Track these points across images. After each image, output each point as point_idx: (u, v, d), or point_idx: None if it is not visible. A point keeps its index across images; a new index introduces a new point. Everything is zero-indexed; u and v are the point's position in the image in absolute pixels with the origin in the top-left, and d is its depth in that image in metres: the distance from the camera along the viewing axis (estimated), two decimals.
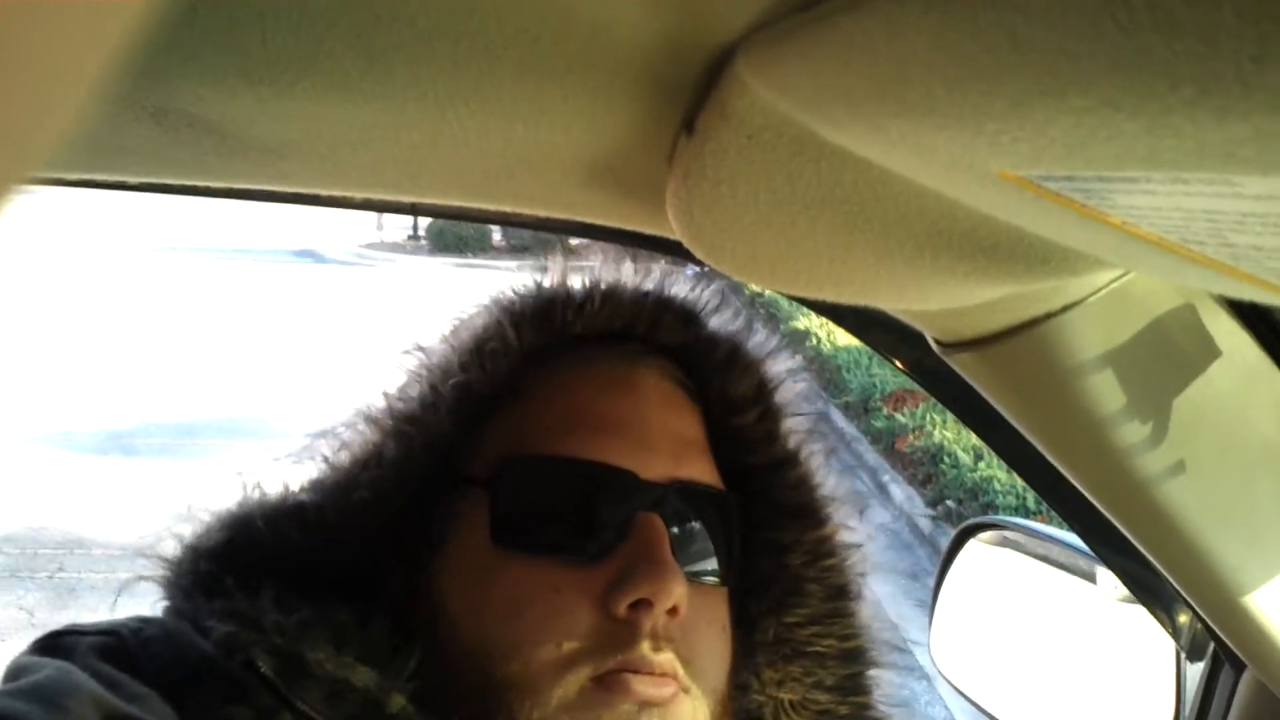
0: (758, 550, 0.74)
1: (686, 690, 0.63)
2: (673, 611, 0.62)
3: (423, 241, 17.33)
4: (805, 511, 0.75)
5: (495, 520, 0.65)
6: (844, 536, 0.76)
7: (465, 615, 0.64)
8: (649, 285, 0.74)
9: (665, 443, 0.68)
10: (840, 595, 0.75)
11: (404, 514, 0.68)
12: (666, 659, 0.62)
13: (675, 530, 0.65)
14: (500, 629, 0.62)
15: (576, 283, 0.73)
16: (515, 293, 0.72)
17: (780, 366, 0.76)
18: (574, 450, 0.65)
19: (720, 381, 0.74)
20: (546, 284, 0.72)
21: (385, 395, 0.70)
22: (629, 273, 0.75)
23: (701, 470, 0.69)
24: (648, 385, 0.70)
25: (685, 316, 0.74)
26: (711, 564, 0.68)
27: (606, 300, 0.72)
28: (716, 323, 0.75)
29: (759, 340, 0.76)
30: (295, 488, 0.69)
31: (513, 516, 0.65)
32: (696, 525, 0.67)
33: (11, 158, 0.15)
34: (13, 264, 11.57)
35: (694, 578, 0.66)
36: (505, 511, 0.65)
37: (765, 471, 0.75)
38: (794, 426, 0.76)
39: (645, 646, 0.61)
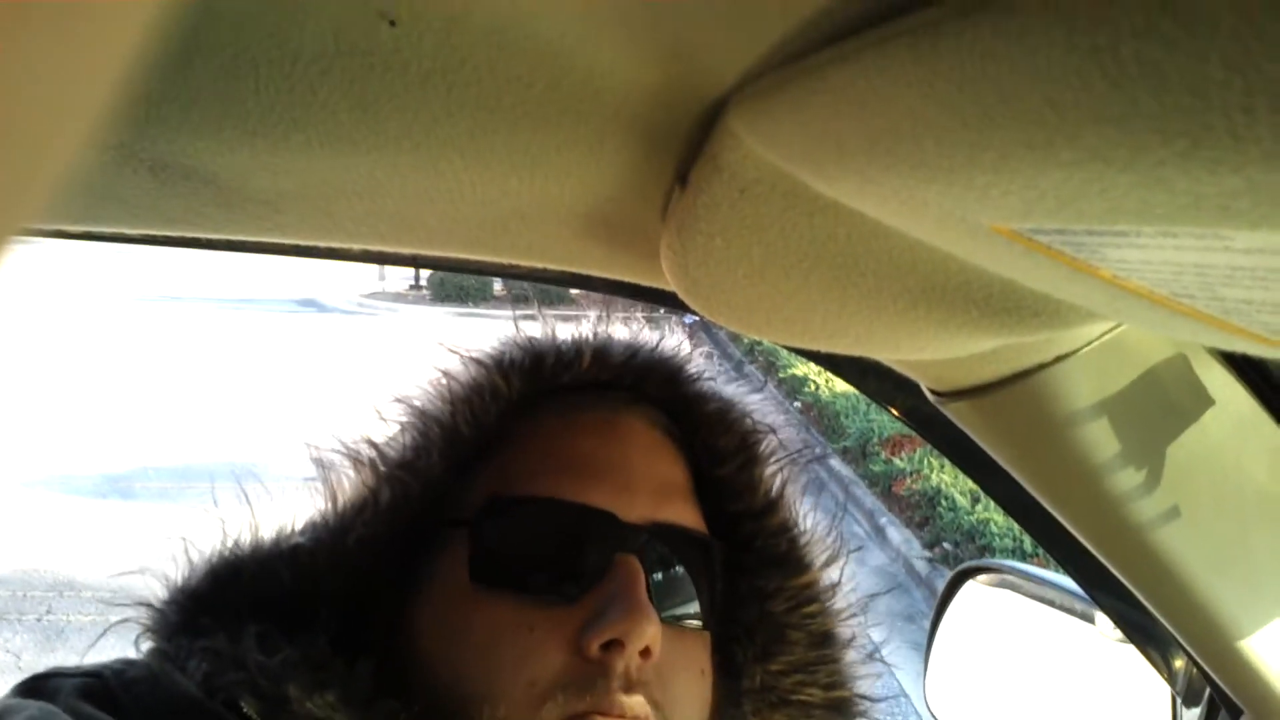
0: (743, 597, 0.74)
1: None
2: (645, 653, 0.61)
3: (424, 291, 17.40)
4: (787, 559, 0.75)
5: (474, 558, 0.65)
6: (827, 582, 0.76)
7: (441, 653, 0.64)
8: (638, 342, 0.76)
9: (647, 485, 0.68)
10: (824, 643, 0.74)
11: (390, 556, 0.68)
12: (637, 702, 0.61)
13: (655, 573, 0.65)
14: (473, 667, 0.62)
15: (567, 335, 0.74)
16: (505, 344, 0.73)
17: (767, 417, 0.77)
18: (555, 491, 0.65)
19: (705, 434, 0.74)
20: (537, 336, 0.74)
21: (378, 442, 0.70)
22: (620, 329, 0.76)
23: (683, 514, 0.69)
24: (632, 430, 0.71)
25: (671, 374, 0.75)
26: (691, 607, 0.68)
27: (595, 357, 0.73)
28: (702, 378, 0.76)
29: (743, 392, 0.77)
30: (289, 530, 0.69)
31: (491, 555, 0.65)
32: (677, 569, 0.67)
33: (6, 208, 0.15)
34: (13, 312, 11.60)
35: (673, 621, 0.65)
36: (484, 550, 0.65)
37: (748, 519, 0.75)
38: (775, 476, 0.76)
39: (616, 688, 0.60)
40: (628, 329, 0.77)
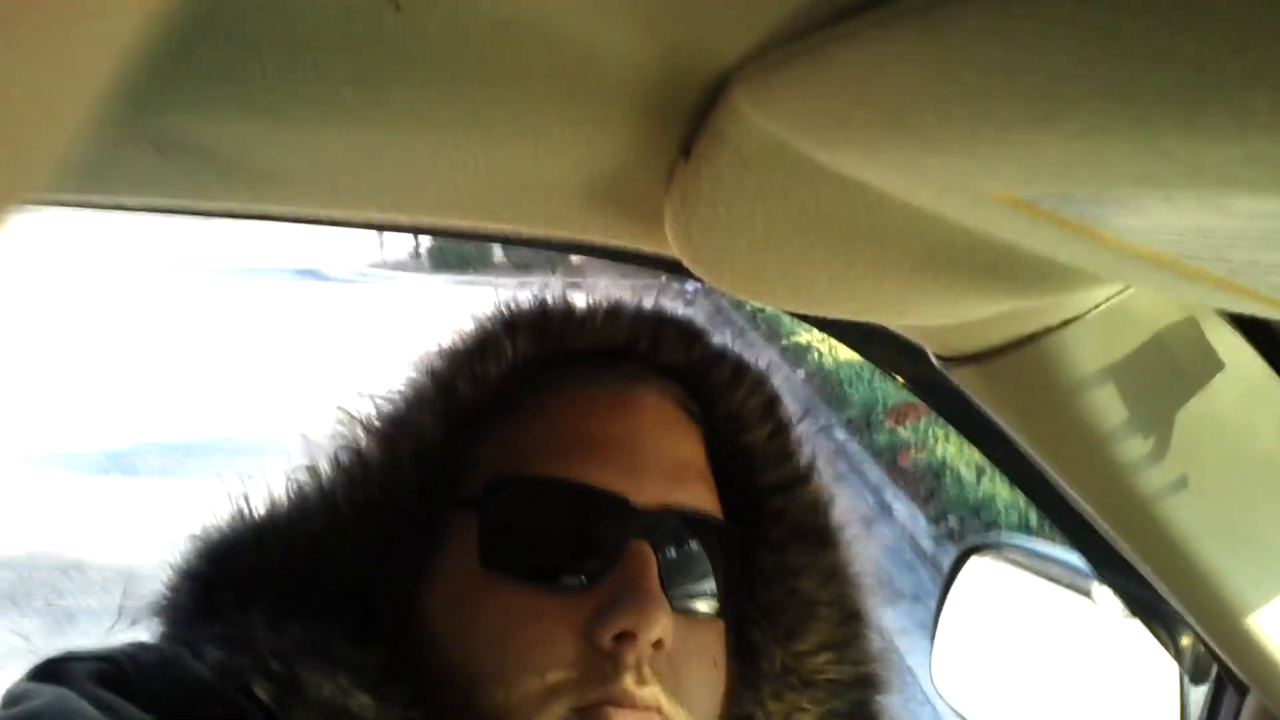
0: (768, 577, 0.72)
1: None
2: (658, 644, 0.60)
3: (424, 259, 17.38)
4: (819, 534, 0.73)
5: (484, 542, 0.63)
6: (856, 560, 0.74)
7: (451, 638, 0.63)
8: (652, 306, 0.73)
9: (660, 467, 0.66)
10: (854, 619, 0.73)
11: (391, 529, 0.66)
12: (650, 693, 0.60)
13: (667, 559, 0.64)
14: (485, 656, 0.61)
15: (579, 299, 0.72)
16: (513, 305, 0.70)
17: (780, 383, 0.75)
18: (566, 472, 0.64)
19: (727, 398, 0.72)
20: (548, 299, 0.71)
21: (372, 401, 0.69)
22: (631, 293, 0.74)
23: (698, 496, 0.67)
24: (645, 406, 0.68)
25: (688, 334, 0.73)
26: (705, 595, 0.66)
27: (608, 316, 0.71)
28: (718, 340, 0.74)
29: (757, 359, 0.75)
30: (283, 502, 0.67)
31: (501, 539, 0.64)
32: (690, 554, 0.66)
33: (8, 180, 0.15)
34: (12, 284, 11.58)
35: (685, 609, 0.64)
36: (494, 534, 0.64)
37: (778, 493, 0.73)
38: (806, 442, 0.74)
39: (629, 680, 0.60)
40: (638, 292, 0.74)
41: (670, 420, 0.69)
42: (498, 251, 15.95)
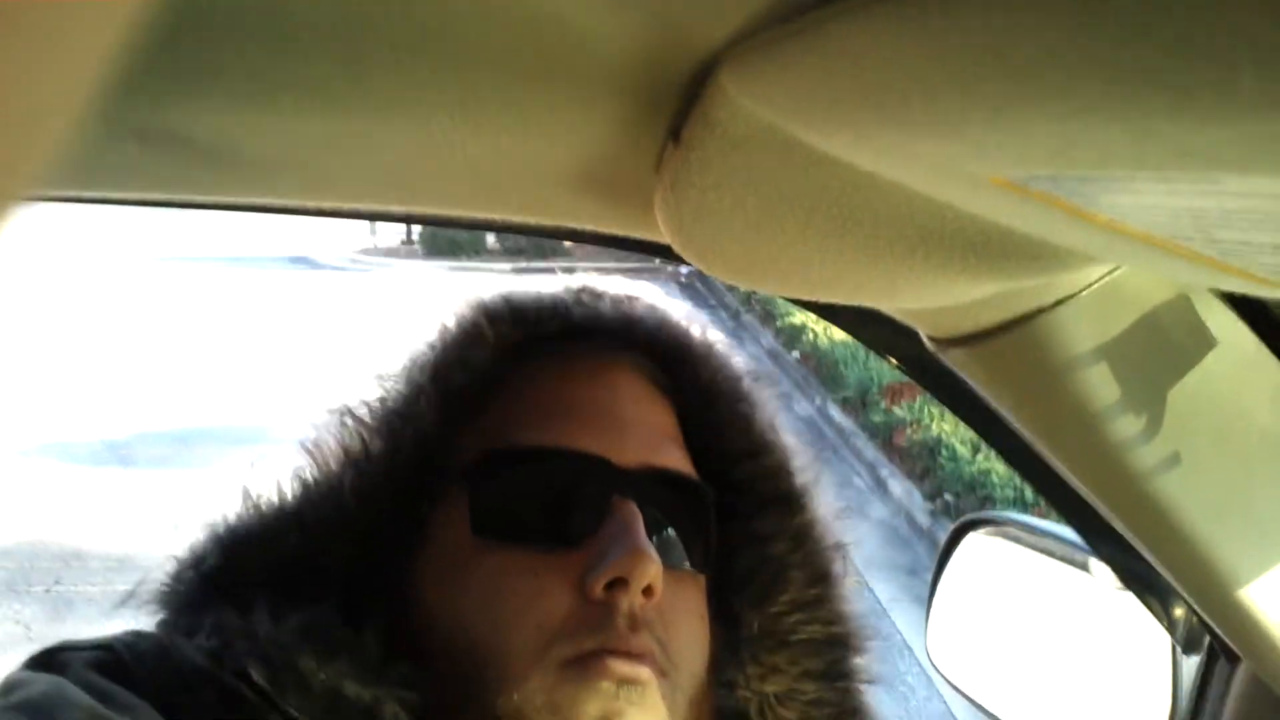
0: (739, 543, 0.74)
1: (664, 674, 0.63)
2: (648, 592, 0.63)
3: (416, 246, 17.33)
4: (785, 498, 0.76)
5: (475, 512, 0.66)
6: (823, 522, 0.77)
7: (446, 607, 0.65)
8: (625, 291, 0.77)
9: (639, 432, 0.69)
10: (823, 580, 0.75)
11: (388, 514, 0.68)
12: (644, 640, 0.62)
13: (651, 516, 0.66)
14: (479, 616, 0.63)
15: (556, 287, 0.76)
16: (489, 296, 0.74)
17: (747, 361, 0.79)
18: (549, 440, 0.66)
19: (693, 373, 0.76)
20: (523, 290, 0.75)
21: (370, 393, 0.71)
22: (608, 281, 0.78)
23: (675, 459, 0.70)
24: (620, 377, 0.72)
25: (659, 319, 0.77)
26: (688, 551, 0.69)
27: (579, 299, 0.75)
28: (689, 322, 0.78)
29: (725, 338, 0.79)
30: (287, 493, 0.69)
31: (491, 508, 0.66)
32: (673, 512, 0.69)
33: (8, 178, 0.15)
34: (7, 278, 11.55)
35: (670, 564, 0.66)
36: (484, 503, 0.66)
37: (745, 459, 0.76)
38: (768, 414, 0.77)
39: (622, 626, 0.62)
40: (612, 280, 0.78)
41: (645, 391, 0.73)
42: (490, 237, 15.91)
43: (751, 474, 0.76)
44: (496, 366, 0.71)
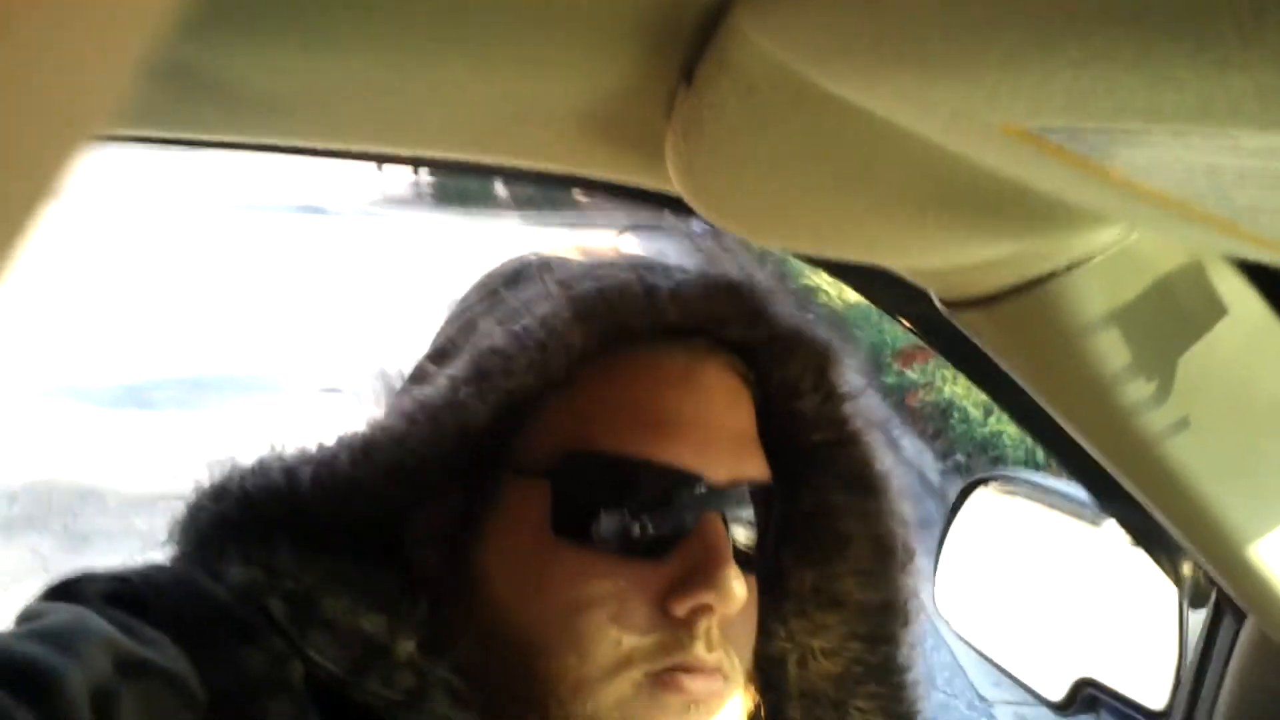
0: (807, 513, 0.73)
1: (728, 678, 0.64)
2: (727, 615, 0.63)
3: (425, 195, 17.26)
4: (862, 483, 0.74)
5: (556, 510, 0.64)
6: (899, 506, 0.75)
7: (516, 602, 0.64)
8: (717, 280, 0.70)
9: (728, 443, 0.67)
10: (888, 554, 0.74)
11: (431, 489, 0.66)
12: (717, 657, 0.63)
13: (734, 530, 0.66)
14: (557, 620, 0.62)
15: (643, 276, 0.68)
16: (578, 295, 0.66)
17: (839, 347, 0.74)
18: (640, 449, 0.64)
19: (781, 369, 0.72)
20: (610, 281, 0.67)
21: (424, 366, 0.69)
22: (694, 260, 0.72)
23: (758, 467, 0.69)
24: (711, 382, 0.68)
25: (751, 311, 0.70)
26: (755, 555, 0.69)
27: (672, 297, 0.67)
28: (777, 307, 0.72)
29: (812, 320, 0.74)
30: (317, 447, 0.67)
31: (575, 509, 0.64)
32: (751, 522, 0.68)
33: (77, 119, 0.15)
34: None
35: (741, 570, 0.65)
36: (568, 505, 0.64)
37: (825, 449, 0.74)
38: (857, 410, 0.74)
39: (700, 647, 0.62)
40: (700, 257, 0.73)
41: (733, 393, 0.70)
42: (501, 189, 15.81)
43: (830, 459, 0.74)
44: (576, 364, 0.66)
